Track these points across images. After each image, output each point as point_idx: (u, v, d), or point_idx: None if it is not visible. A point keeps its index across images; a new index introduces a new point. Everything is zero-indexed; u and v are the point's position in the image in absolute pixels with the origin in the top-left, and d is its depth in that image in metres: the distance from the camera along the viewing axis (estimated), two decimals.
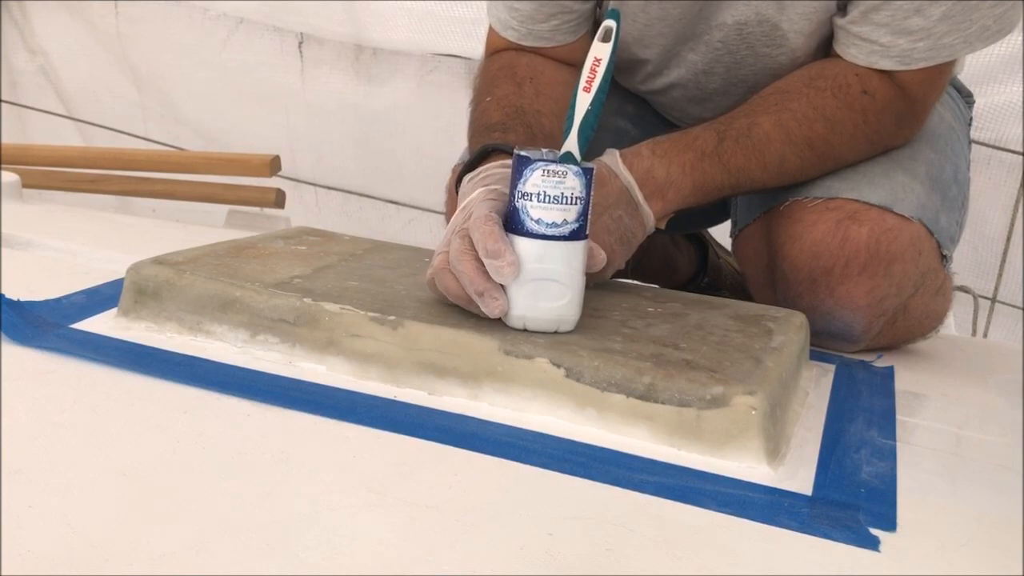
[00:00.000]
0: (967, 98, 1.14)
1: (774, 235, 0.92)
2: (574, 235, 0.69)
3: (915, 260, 0.89)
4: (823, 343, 0.91)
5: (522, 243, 0.69)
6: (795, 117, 0.89)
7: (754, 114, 0.90)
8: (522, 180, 0.68)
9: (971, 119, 1.14)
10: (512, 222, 0.69)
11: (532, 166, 0.68)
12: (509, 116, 0.93)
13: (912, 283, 0.90)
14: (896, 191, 0.88)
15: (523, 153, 0.69)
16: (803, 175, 0.91)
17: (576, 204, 0.68)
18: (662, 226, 0.88)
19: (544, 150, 0.70)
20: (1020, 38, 1.49)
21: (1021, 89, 1.53)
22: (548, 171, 0.68)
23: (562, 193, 0.68)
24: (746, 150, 0.88)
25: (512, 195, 0.69)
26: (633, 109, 1.11)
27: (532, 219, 0.68)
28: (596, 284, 0.81)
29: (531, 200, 0.68)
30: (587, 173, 0.69)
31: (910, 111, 0.93)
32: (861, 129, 0.90)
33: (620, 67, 1.04)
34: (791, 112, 0.89)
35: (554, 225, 0.68)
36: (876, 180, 0.89)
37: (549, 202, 0.68)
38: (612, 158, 0.86)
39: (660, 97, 1.09)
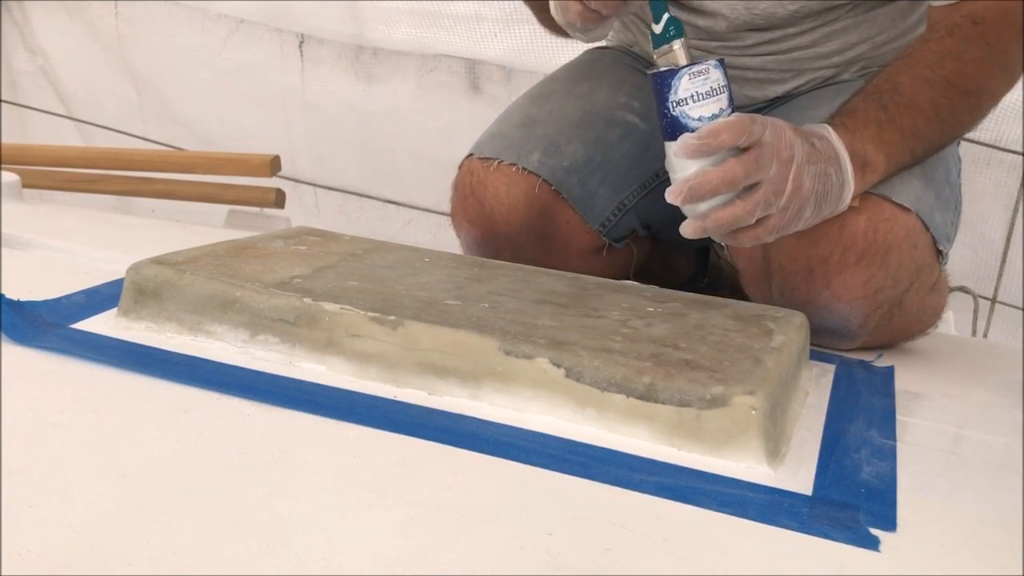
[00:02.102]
0: None
1: None
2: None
3: (911, 252, 0.89)
4: (821, 340, 0.91)
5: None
6: (925, 64, 0.89)
7: (891, 77, 0.90)
8: (672, 90, 0.75)
9: (959, 140, 1.14)
10: (674, 132, 0.76)
11: (678, 74, 0.75)
12: None
13: (908, 276, 0.90)
14: (893, 182, 0.89)
15: (660, 69, 0.76)
16: (957, 120, 0.91)
17: (724, 92, 0.76)
18: (856, 203, 0.86)
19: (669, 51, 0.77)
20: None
21: (1021, 89, 1.53)
22: (693, 73, 0.75)
23: (711, 87, 0.75)
24: (907, 107, 0.88)
25: (664, 111, 0.76)
26: (640, 105, 1.11)
27: (694, 119, 0.75)
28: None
29: (687, 104, 0.75)
30: (721, 63, 0.76)
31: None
32: (986, 53, 0.90)
33: None
34: (919, 63, 0.89)
35: (714, 117, 0.76)
36: None
37: (702, 100, 0.75)
38: (822, 125, 0.85)
39: (693, 37, 1.08)
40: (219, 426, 0.62)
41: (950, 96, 0.89)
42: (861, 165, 0.84)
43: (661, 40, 0.78)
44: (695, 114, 0.75)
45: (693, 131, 0.75)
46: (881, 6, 1.03)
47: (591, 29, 0.91)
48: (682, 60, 0.78)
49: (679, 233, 0.81)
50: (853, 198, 0.85)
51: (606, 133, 1.08)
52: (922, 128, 0.88)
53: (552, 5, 0.90)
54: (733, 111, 0.76)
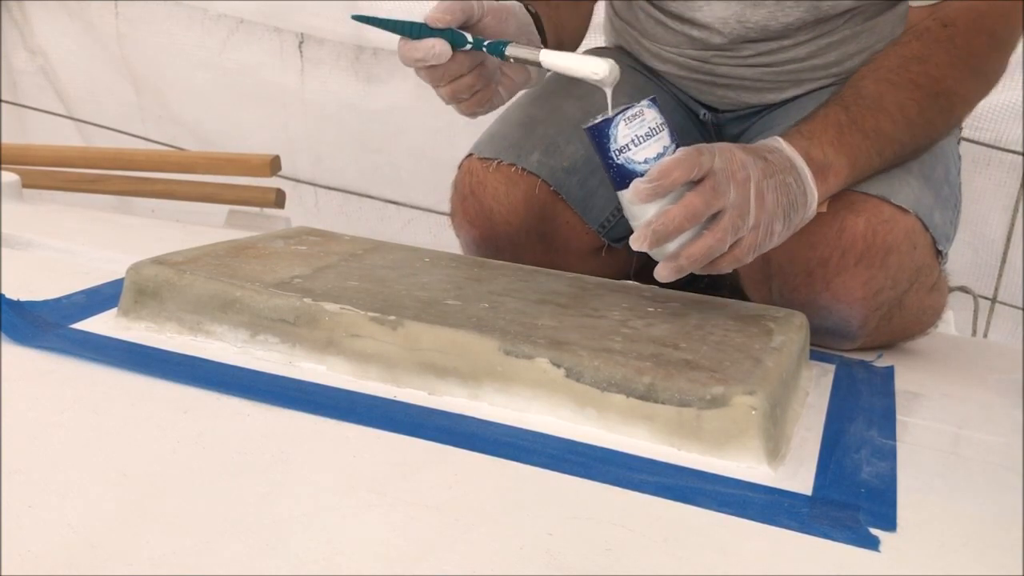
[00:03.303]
0: None
1: None
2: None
3: (910, 253, 0.89)
4: (821, 340, 0.91)
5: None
6: (889, 68, 0.88)
7: (854, 83, 0.89)
8: (611, 139, 0.73)
9: (960, 137, 1.14)
10: (623, 181, 0.74)
11: (613, 122, 0.73)
12: None
13: (907, 277, 0.90)
14: (892, 183, 0.89)
15: (595, 121, 0.74)
16: (928, 122, 0.89)
17: (663, 129, 0.74)
18: (824, 209, 0.85)
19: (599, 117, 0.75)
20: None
21: (1021, 89, 1.53)
22: (628, 118, 0.73)
23: (649, 128, 0.73)
24: (870, 110, 0.86)
25: (608, 162, 0.74)
26: None
27: (640, 162, 0.73)
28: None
29: (629, 150, 0.73)
30: (653, 101, 0.74)
31: (1004, 27, 0.91)
32: (955, 56, 0.89)
33: None
34: (884, 68, 0.89)
35: (659, 156, 0.74)
36: None
37: (643, 142, 0.73)
38: (772, 139, 0.84)
39: (688, 46, 1.09)
40: (219, 426, 0.62)
41: (917, 98, 0.87)
42: (821, 169, 0.82)
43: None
44: (639, 157, 0.73)
45: (642, 175, 0.73)
46: (880, 15, 1.03)
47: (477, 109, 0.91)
48: (525, 52, 0.80)
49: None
50: (821, 203, 0.84)
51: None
52: (887, 130, 0.86)
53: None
54: (677, 146, 0.74)
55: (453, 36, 0.82)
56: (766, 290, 0.95)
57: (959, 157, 1.07)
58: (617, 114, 0.73)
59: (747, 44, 1.05)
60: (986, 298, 1.63)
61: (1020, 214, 1.62)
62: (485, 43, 0.82)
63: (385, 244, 0.95)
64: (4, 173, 1.26)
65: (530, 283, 0.85)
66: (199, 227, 1.23)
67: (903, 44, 0.90)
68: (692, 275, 1.32)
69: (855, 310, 0.89)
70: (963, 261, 1.60)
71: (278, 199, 1.47)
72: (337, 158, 2.09)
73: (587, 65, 0.79)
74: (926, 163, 0.94)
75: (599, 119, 0.74)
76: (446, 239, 1.21)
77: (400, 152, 2.02)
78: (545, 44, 0.93)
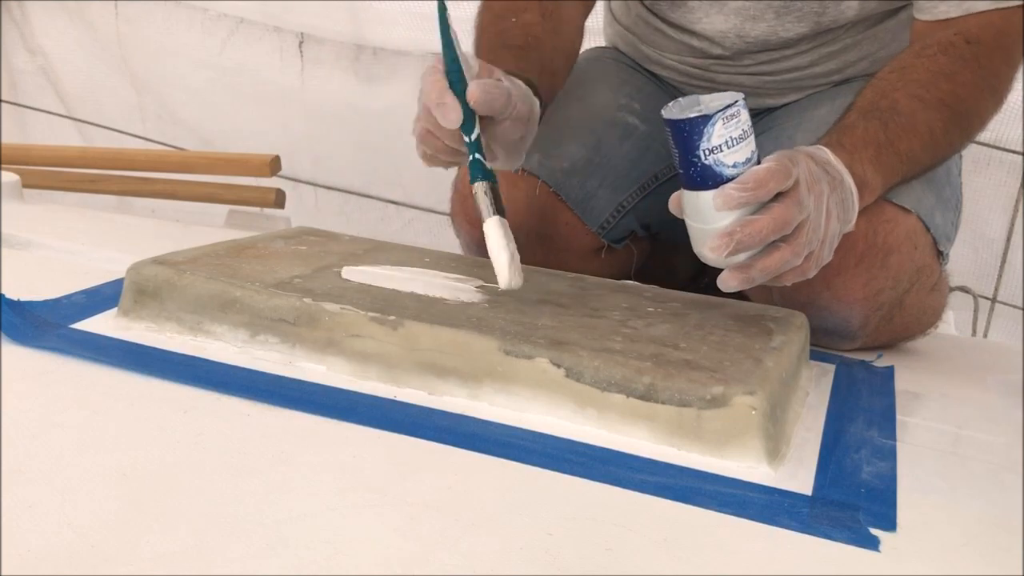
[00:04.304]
0: None
1: None
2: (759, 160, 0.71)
3: (911, 254, 0.89)
4: (821, 340, 0.91)
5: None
6: (920, 83, 0.87)
7: (885, 92, 0.88)
8: (705, 138, 0.69)
9: None
10: (706, 181, 0.70)
11: (712, 120, 0.68)
12: (529, 45, 0.94)
13: (908, 277, 0.90)
14: None
15: (689, 116, 0.69)
16: (949, 143, 0.89)
17: (751, 132, 0.70)
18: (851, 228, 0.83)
19: (690, 100, 0.71)
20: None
21: (1021, 89, 1.53)
22: (727, 117, 0.69)
23: (743, 130, 0.70)
24: (905, 130, 0.85)
25: (693, 160, 0.70)
26: (640, 107, 1.11)
27: (729, 166, 0.69)
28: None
29: (721, 151, 0.69)
30: (745, 98, 0.70)
31: (1017, 47, 0.91)
32: (979, 76, 0.89)
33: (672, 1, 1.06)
34: (915, 81, 0.88)
35: (748, 161, 0.70)
36: None
37: (735, 144, 0.69)
38: (818, 148, 0.81)
39: (687, 54, 1.09)
40: (219, 426, 0.62)
41: (944, 118, 0.87)
42: (861, 186, 0.81)
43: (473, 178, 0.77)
44: (730, 161, 0.69)
45: (729, 178, 0.69)
46: (882, 23, 1.03)
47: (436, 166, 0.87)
48: (482, 205, 0.76)
49: (686, 245, 0.76)
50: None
51: (606, 135, 1.09)
52: (918, 154, 0.86)
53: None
54: (757, 153, 0.71)
55: (468, 120, 0.77)
56: (766, 290, 0.95)
57: (960, 157, 1.07)
58: (717, 112, 0.68)
59: (747, 55, 1.05)
60: (986, 298, 1.63)
61: (1020, 214, 1.62)
62: (475, 154, 0.77)
63: (385, 244, 0.95)
64: (4, 173, 1.26)
65: (530, 283, 0.85)
66: (199, 227, 1.23)
67: (930, 58, 0.89)
68: (693, 275, 1.33)
69: (855, 310, 0.89)
70: (963, 261, 1.60)
71: (278, 199, 1.47)
72: (337, 158, 2.09)
73: (499, 264, 0.75)
74: None
75: (694, 114, 0.69)
76: (446, 239, 1.21)
77: (400, 152, 2.01)
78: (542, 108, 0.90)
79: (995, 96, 0.91)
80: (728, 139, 0.69)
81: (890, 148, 0.84)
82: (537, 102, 0.87)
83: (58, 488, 0.53)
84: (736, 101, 0.69)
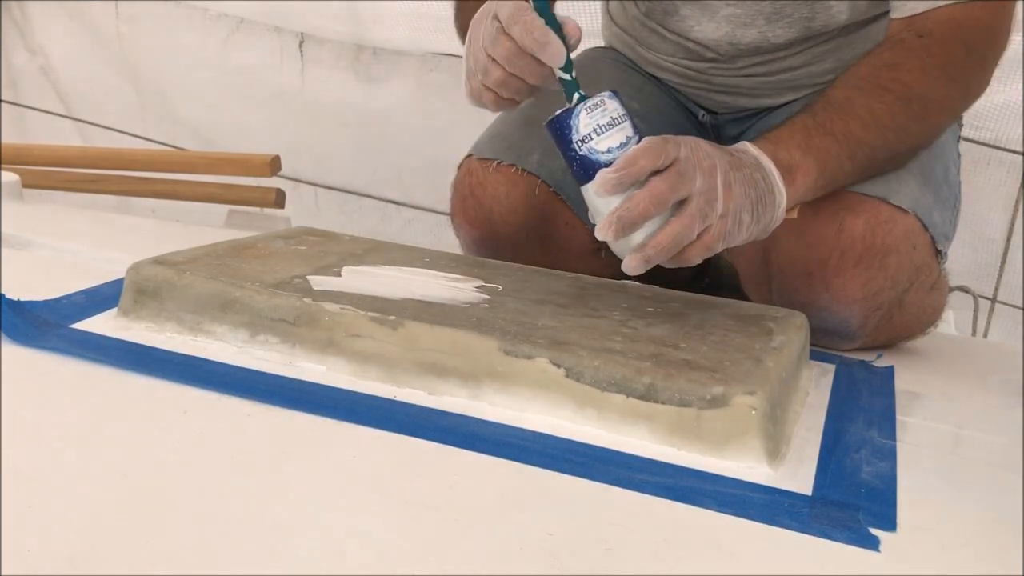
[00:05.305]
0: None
1: None
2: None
3: (909, 253, 0.89)
4: (821, 340, 0.91)
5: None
6: (860, 76, 0.87)
7: (824, 92, 0.88)
8: (573, 130, 0.72)
9: (960, 136, 1.14)
10: (587, 172, 0.73)
11: (574, 112, 0.72)
12: None
13: (907, 277, 0.90)
14: (891, 183, 0.89)
15: (555, 114, 0.73)
16: (902, 127, 0.87)
17: (626, 119, 0.73)
18: (794, 215, 0.83)
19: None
20: (1020, 38, 1.49)
21: (1021, 89, 1.53)
22: (588, 108, 0.72)
23: (611, 118, 0.72)
24: (839, 113, 0.85)
25: (570, 154, 0.73)
26: (640, 106, 1.11)
27: (603, 152, 0.72)
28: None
29: (592, 139, 0.72)
30: (615, 93, 0.74)
31: (983, 39, 0.90)
32: (928, 63, 0.88)
33: (664, 9, 1.06)
34: (854, 75, 0.88)
35: (623, 145, 0.72)
36: None
37: (606, 131, 0.72)
38: (740, 143, 0.82)
39: (683, 57, 1.09)
40: (219, 426, 0.62)
41: (887, 101, 0.86)
42: (788, 170, 0.80)
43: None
44: (602, 147, 0.72)
45: (607, 165, 0.71)
46: (876, 22, 1.03)
47: (506, 109, 0.87)
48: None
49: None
50: (791, 207, 0.82)
51: None
52: (858, 133, 0.85)
53: (465, 84, 0.85)
54: (641, 137, 0.73)
55: (568, 59, 0.77)
56: (766, 290, 0.95)
57: (959, 156, 1.07)
58: (577, 103, 0.72)
59: (742, 57, 1.05)
60: (986, 298, 1.63)
61: (1020, 214, 1.62)
62: (575, 88, 0.76)
63: (385, 244, 0.95)
64: (4, 173, 1.26)
65: (530, 283, 0.85)
66: (199, 227, 1.23)
67: (876, 54, 0.89)
68: (693, 275, 1.33)
69: (855, 310, 0.89)
70: (963, 261, 1.60)
71: (278, 199, 1.47)
72: (337, 158, 2.09)
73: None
74: (924, 162, 0.94)
75: (559, 111, 0.73)
76: (446, 239, 1.21)
77: (400, 152, 2.02)
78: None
79: (954, 84, 0.89)
80: (596, 127, 0.72)
81: (820, 130, 0.84)
82: None
83: (58, 488, 0.53)
84: (597, 93, 0.73)
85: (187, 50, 2.12)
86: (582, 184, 0.74)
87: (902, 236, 0.88)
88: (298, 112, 2.07)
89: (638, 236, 0.73)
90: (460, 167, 1.07)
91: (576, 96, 0.75)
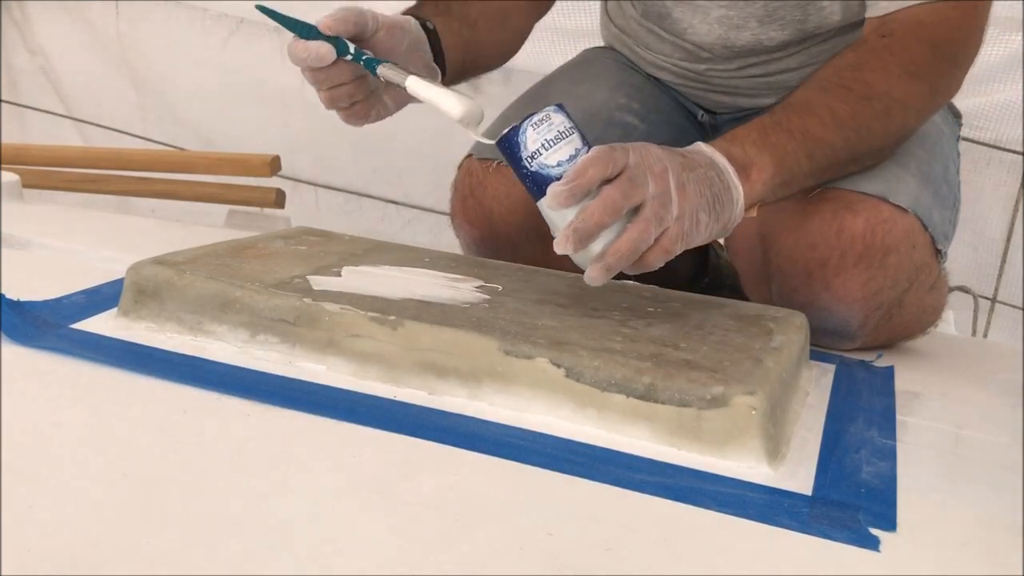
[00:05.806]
0: (957, 118, 1.14)
1: (769, 226, 0.92)
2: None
3: (909, 253, 0.89)
4: (821, 340, 0.91)
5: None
6: (821, 78, 0.87)
7: (785, 95, 0.88)
8: (521, 147, 0.72)
9: (959, 136, 1.14)
10: (539, 187, 0.72)
11: (521, 129, 0.72)
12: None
13: (907, 276, 0.90)
14: (890, 182, 0.89)
15: (505, 131, 0.73)
16: (864, 127, 0.87)
17: (573, 132, 0.73)
18: (753, 214, 0.82)
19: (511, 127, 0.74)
20: (1020, 38, 1.49)
21: (1021, 89, 1.53)
22: (535, 123, 0.72)
23: (558, 132, 0.72)
24: (797, 112, 0.84)
25: (522, 171, 0.73)
26: (639, 106, 1.12)
27: (553, 166, 0.72)
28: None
29: (541, 154, 0.72)
30: (560, 107, 0.73)
31: (951, 39, 0.89)
32: (890, 62, 0.87)
33: (658, 11, 1.06)
34: (817, 78, 0.88)
35: (573, 158, 0.72)
36: (870, 171, 0.89)
37: (554, 145, 0.72)
38: (693, 144, 0.81)
39: (681, 58, 1.09)
40: (219, 426, 0.62)
41: (848, 100, 0.86)
42: (742, 166, 0.80)
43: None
44: (552, 161, 0.72)
45: (558, 178, 0.71)
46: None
47: (359, 118, 0.94)
48: (395, 77, 0.82)
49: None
50: (751, 205, 0.81)
51: (605, 134, 1.09)
52: (816, 131, 0.84)
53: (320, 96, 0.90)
54: (590, 148, 0.72)
55: (339, 44, 0.82)
56: (766, 290, 0.95)
57: (958, 155, 1.07)
58: (523, 120, 0.72)
59: (738, 58, 1.05)
60: (986, 298, 1.63)
61: (1020, 214, 1.62)
62: (363, 57, 0.82)
63: (385, 244, 0.95)
64: (4, 173, 1.26)
65: (530, 283, 0.85)
66: (199, 227, 1.23)
67: (840, 55, 0.89)
68: (693, 275, 1.33)
69: (855, 310, 0.89)
70: (963, 261, 1.60)
71: (278, 199, 1.47)
72: (337, 158, 2.09)
73: (446, 101, 0.79)
74: (924, 161, 0.94)
75: (506, 130, 0.73)
76: (446, 239, 1.21)
77: (400, 152, 2.02)
78: (442, 64, 0.94)
79: (918, 82, 0.88)
80: (544, 142, 0.72)
81: (777, 128, 0.83)
82: (411, 19, 0.91)
83: (58, 488, 0.53)
84: (539, 111, 0.72)
85: (187, 50, 2.12)
86: (537, 200, 0.74)
87: (902, 236, 0.88)
88: (298, 112, 2.07)
89: (597, 246, 0.72)
90: (460, 167, 1.07)
91: (364, 58, 0.82)
